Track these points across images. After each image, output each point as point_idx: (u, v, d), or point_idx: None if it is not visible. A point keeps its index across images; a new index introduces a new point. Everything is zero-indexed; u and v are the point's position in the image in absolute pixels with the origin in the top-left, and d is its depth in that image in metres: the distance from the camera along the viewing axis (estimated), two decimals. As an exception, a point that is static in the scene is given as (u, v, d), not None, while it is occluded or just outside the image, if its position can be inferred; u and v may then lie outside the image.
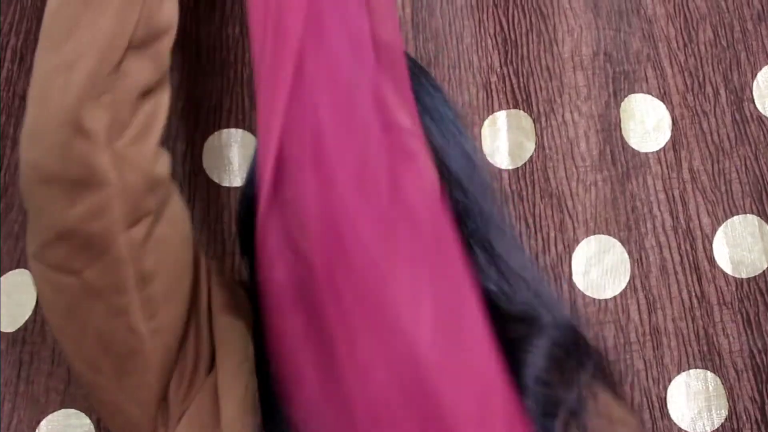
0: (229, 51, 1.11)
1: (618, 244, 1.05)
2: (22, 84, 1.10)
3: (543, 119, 1.08)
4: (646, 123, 1.10)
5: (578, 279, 1.04)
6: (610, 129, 1.09)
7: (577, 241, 1.05)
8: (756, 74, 1.11)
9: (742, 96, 1.11)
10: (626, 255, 1.04)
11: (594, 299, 1.03)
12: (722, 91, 1.11)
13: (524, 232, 1.05)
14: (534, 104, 1.09)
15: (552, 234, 1.05)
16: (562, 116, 1.08)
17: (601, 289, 1.04)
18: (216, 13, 1.11)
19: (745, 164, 1.09)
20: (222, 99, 1.08)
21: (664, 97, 1.11)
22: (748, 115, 1.10)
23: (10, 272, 1.05)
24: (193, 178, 1.06)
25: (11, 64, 1.11)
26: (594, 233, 1.05)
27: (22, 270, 1.05)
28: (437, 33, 1.12)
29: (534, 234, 1.05)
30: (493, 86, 1.11)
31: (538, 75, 1.10)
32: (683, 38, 1.13)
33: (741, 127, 1.10)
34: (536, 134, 1.08)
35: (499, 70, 1.11)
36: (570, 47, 1.11)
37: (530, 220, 1.06)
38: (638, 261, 1.05)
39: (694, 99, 1.11)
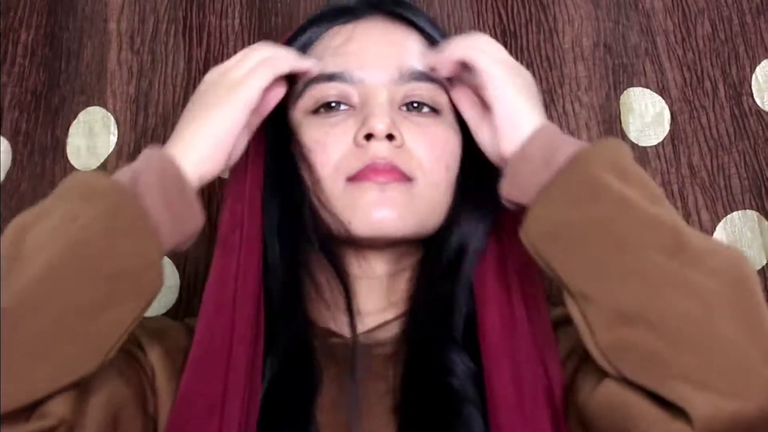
0: (228, 42, 1.12)
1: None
2: (33, 78, 1.12)
3: (543, 110, 1.07)
4: (645, 117, 1.10)
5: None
6: (611, 120, 1.09)
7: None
8: (755, 68, 1.11)
9: (740, 90, 1.10)
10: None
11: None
12: (721, 86, 1.10)
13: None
14: (534, 95, 1.09)
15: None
16: (563, 107, 1.08)
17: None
18: (216, 2, 1.13)
19: (744, 159, 1.08)
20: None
21: (662, 91, 1.11)
22: (747, 109, 1.09)
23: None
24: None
25: (23, 59, 1.13)
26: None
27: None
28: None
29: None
30: (492, 77, 1.11)
31: (537, 65, 1.10)
32: (681, 32, 1.13)
33: (740, 121, 1.09)
34: (536, 125, 1.08)
35: (498, 61, 1.11)
36: (570, 38, 1.11)
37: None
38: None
39: (692, 93, 1.10)
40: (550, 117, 1.06)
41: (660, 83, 1.11)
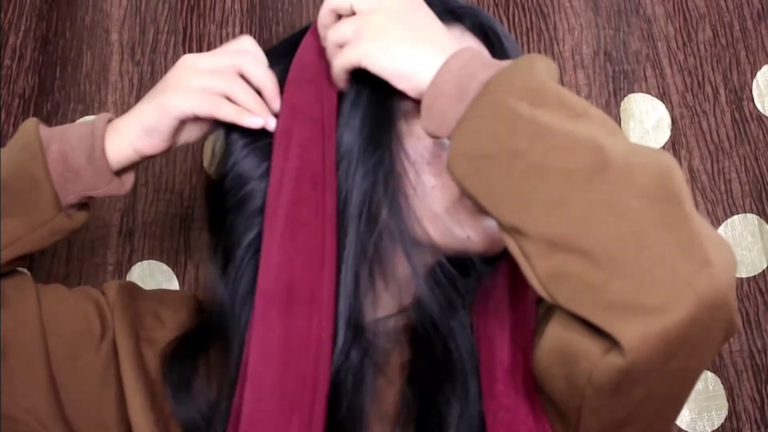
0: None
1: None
2: (21, 82, 1.10)
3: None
4: (646, 122, 1.10)
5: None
6: (610, 128, 1.09)
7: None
8: (755, 73, 1.11)
9: (741, 95, 1.11)
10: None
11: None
12: (722, 91, 1.11)
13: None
14: (534, 103, 1.09)
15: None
16: (563, 115, 1.08)
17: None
18: (216, 11, 1.11)
19: (745, 164, 1.09)
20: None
21: (663, 96, 1.11)
22: (748, 114, 1.10)
23: None
24: (194, 176, 1.06)
25: (10, 62, 1.11)
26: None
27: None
28: (437, 32, 1.12)
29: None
30: (493, 85, 1.10)
31: (538, 74, 1.10)
32: (682, 37, 1.13)
33: (740, 126, 1.10)
34: (537, 133, 1.08)
35: (499, 69, 1.11)
36: (570, 46, 1.11)
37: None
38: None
39: (693, 98, 1.11)
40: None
41: (661, 88, 1.11)
